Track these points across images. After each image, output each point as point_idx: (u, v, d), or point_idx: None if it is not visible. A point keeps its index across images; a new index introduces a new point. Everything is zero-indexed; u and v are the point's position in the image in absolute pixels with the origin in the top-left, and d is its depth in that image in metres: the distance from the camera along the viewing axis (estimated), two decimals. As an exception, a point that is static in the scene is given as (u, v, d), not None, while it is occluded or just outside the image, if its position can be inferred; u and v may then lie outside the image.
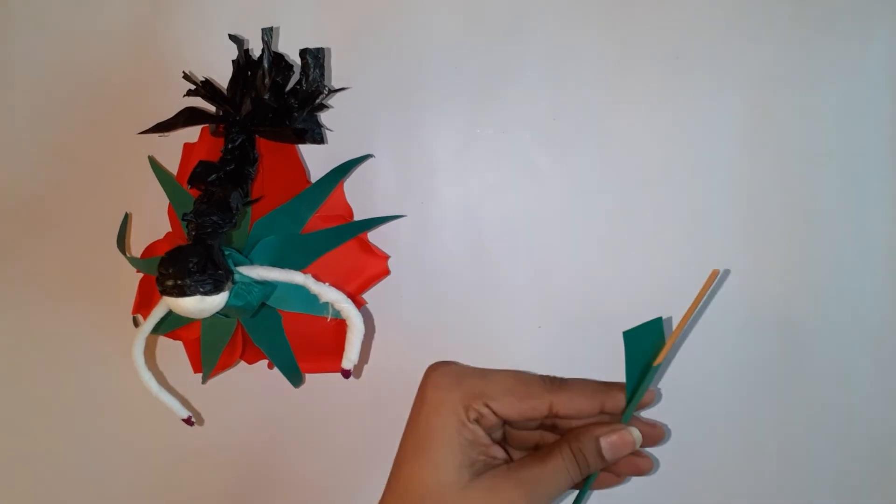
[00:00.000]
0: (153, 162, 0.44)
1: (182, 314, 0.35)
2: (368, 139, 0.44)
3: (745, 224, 0.42)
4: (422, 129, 0.44)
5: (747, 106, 0.41)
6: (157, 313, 0.39)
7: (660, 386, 0.42)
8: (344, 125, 0.44)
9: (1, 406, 0.48)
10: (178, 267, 0.34)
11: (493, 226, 0.44)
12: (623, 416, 0.36)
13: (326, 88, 0.41)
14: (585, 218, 0.43)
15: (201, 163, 0.39)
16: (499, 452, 0.36)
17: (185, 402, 0.42)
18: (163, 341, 0.46)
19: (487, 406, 0.35)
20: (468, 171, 0.44)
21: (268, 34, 0.40)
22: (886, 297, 0.41)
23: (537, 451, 0.36)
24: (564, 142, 0.43)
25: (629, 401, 0.36)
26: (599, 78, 0.42)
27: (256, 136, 0.41)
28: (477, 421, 0.35)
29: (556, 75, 0.43)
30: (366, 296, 0.44)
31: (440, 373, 0.36)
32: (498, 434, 0.38)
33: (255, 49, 0.41)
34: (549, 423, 0.38)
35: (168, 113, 0.42)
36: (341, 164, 0.42)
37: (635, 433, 0.35)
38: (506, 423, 0.37)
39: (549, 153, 0.43)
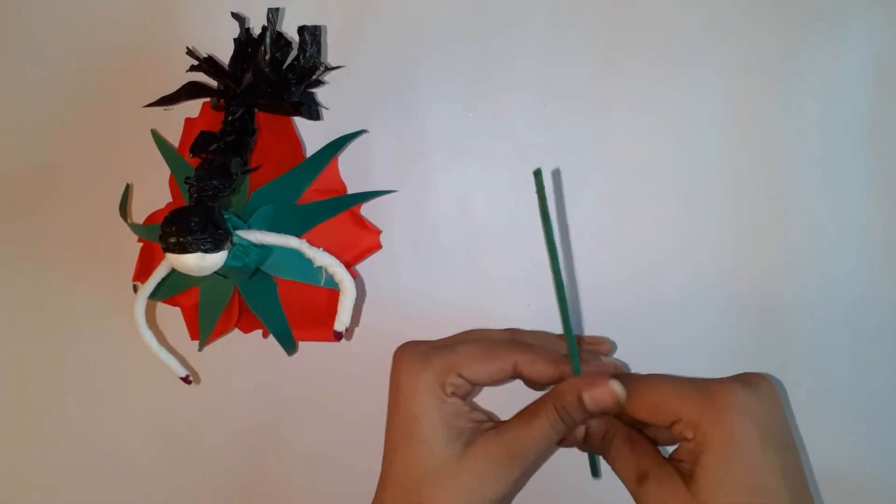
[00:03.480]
0: (156, 135, 0.45)
1: (183, 271, 0.36)
2: (363, 117, 0.45)
3: (728, 210, 0.42)
4: (416, 109, 0.44)
5: (732, 94, 0.42)
6: (159, 273, 0.40)
7: (639, 370, 0.43)
8: (340, 103, 0.45)
9: (3, 368, 0.49)
10: (180, 225, 0.35)
11: (484, 204, 0.44)
12: (574, 370, 0.36)
13: (323, 65, 0.42)
14: (574, 199, 0.43)
15: (202, 133, 0.40)
16: (480, 415, 0.37)
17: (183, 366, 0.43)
18: (161, 311, 0.47)
19: (460, 375, 0.36)
20: (461, 152, 0.44)
21: (273, 14, 0.41)
22: (864, 284, 0.42)
23: (521, 413, 0.37)
24: (554, 126, 0.43)
25: (571, 352, 0.36)
26: (589, 65, 0.43)
27: (255, 109, 0.42)
28: (454, 393, 0.36)
29: (547, 62, 0.43)
30: (358, 270, 0.45)
31: (408, 357, 0.37)
32: (474, 394, 0.38)
33: (256, 27, 0.42)
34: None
35: (172, 87, 0.43)
36: (336, 139, 0.43)
37: (616, 386, 0.35)
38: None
39: (540, 137, 0.43)
